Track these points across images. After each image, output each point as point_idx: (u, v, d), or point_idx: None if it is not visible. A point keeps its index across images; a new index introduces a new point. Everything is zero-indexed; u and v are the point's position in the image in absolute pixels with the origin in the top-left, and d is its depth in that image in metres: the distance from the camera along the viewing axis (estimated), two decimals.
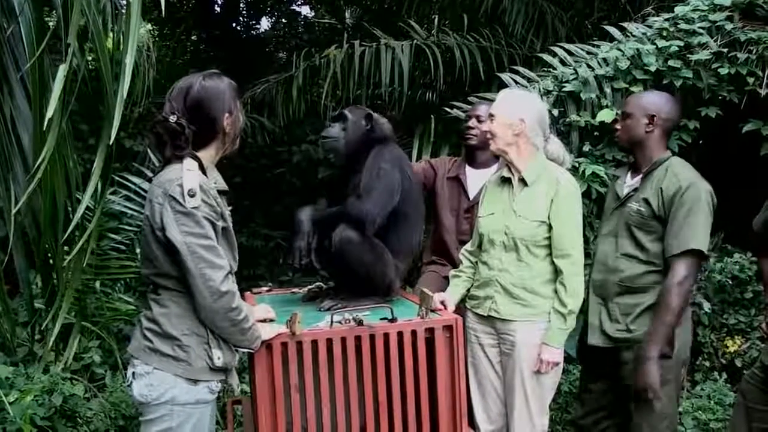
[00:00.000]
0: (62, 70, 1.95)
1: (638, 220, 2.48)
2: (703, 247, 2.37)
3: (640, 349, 2.41)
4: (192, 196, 1.78)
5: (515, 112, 2.43)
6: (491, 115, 2.48)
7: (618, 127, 2.65)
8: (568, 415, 3.52)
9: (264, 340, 1.99)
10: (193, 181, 1.79)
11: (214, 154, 1.96)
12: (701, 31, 3.43)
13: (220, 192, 1.91)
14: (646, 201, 2.47)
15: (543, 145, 2.50)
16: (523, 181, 2.46)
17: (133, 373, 1.88)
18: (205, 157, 1.91)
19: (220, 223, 1.86)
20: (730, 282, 3.79)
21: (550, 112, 3.42)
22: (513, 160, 2.46)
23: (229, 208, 1.99)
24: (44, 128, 1.98)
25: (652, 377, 2.37)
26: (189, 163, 1.84)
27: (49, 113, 1.91)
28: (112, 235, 3.68)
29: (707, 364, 3.75)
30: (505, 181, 2.53)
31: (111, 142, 2.03)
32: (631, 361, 2.49)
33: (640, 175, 2.55)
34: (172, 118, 1.85)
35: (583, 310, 2.67)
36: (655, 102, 2.56)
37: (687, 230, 2.37)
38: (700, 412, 3.39)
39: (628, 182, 2.61)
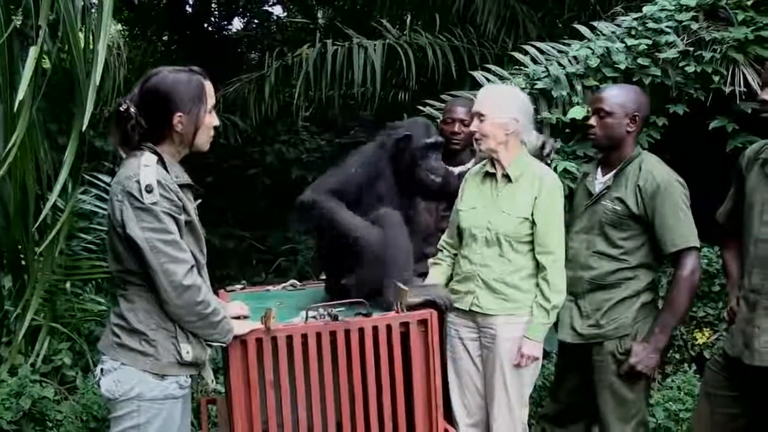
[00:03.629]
0: (33, 52, 1.91)
1: (613, 219, 2.48)
2: (698, 243, 2.44)
3: (645, 336, 2.45)
4: (149, 191, 1.76)
5: (508, 111, 2.41)
6: (480, 115, 2.43)
7: (593, 124, 2.54)
8: (543, 410, 3.54)
9: (238, 336, 1.98)
10: (149, 176, 1.77)
11: (173, 151, 1.90)
12: (668, 30, 3.48)
13: (183, 186, 1.88)
14: (621, 200, 2.47)
15: (530, 139, 2.50)
16: (506, 177, 2.46)
17: (102, 370, 1.86)
18: (165, 152, 1.87)
19: (182, 217, 1.83)
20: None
21: None
22: (501, 157, 2.45)
23: (197, 201, 1.97)
24: (14, 111, 1.94)
25: (653, 363, 2.44)
26: (147, 158, 1.81)
27: (20, 95, 1.87)
28: (83, 235, 3.62)
29: (677, 356, 3.81)
30: (488, 176, 2.52)
31: (83, 129, 2.00)
32: (600, 356, 2.51)
33: (612, 172, 2.55)
34: (123, 106, 1.81)
35: None
36: (636, 100, 2.53)
37: (680, 227, 2.41)
38: (670, 403, 3.44)
39: (599, 179, 2.59)
